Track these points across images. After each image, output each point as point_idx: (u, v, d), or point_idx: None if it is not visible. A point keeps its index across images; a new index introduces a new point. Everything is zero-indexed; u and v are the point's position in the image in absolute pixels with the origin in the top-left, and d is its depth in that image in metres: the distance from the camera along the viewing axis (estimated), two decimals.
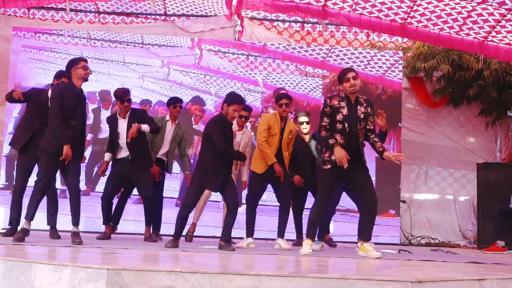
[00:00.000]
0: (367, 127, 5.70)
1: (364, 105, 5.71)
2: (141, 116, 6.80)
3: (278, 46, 9.39)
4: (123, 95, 6.70)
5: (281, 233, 6.37)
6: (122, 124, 6.72)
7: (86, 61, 5.89)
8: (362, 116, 5.65)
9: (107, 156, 6.81)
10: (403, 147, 9.28)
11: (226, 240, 5.79)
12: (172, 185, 8.55)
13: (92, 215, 7.78)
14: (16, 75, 8.92)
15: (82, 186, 8.48)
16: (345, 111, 5.62)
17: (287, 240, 6.45)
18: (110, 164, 6.86)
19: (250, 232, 6.38)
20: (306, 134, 7.30)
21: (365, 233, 5.67)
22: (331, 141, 5.56)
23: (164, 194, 7.33)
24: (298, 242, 7.08)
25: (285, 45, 9.49)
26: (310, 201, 7.33)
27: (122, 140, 6.68)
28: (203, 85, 9.19)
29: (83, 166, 8.59)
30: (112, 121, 6.81)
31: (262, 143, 6.35)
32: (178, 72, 9.20)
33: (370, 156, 6.30)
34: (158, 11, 9.77)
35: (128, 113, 6.74)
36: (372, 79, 9.33)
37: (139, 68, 9.18)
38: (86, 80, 5.85)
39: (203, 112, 8.92)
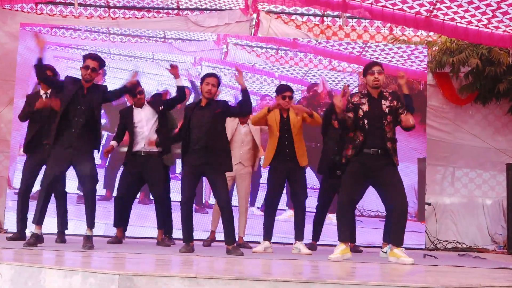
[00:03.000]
0: (399, 120, 5.45)
1: (390, 98, 5.51)
2: (160, 100, 6.76)
3: (309, 39, 9.18)
4: (132, 88, 6.36)
5: (299, 236, 6.15)
6: (140, 114, 6.64)
7: (92, 58, 5.69)
8: (387, 110, 5.44)
9: (114, 143, 6.72)
10: (428, 147, 9.05)
11: (231, 244, 5.59)
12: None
13: (111, 221, 7.29)
14: (32, 72, 8.48)
15: (101, 190, 8.35)
16: (365, 107, 5.47)
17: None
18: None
19: (267, 235, 6.18)
20: None
21: (395, 238, 5.41)
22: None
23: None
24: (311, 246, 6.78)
25: (318, 40, 9.25)
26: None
27: (142, 129, 6.58)
28: (233, 81, 8.96)
29: (102, 170, 8.47)
30: (127, 114, 6.72)
31: (253, 116, 6.43)
32: (211, 68, 8.88)
33: None
34: (170, 5, 9.60)
35: (145, 103, 6.73)
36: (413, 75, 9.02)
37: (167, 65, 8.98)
38: (87, 81, 5.66)
39: None
